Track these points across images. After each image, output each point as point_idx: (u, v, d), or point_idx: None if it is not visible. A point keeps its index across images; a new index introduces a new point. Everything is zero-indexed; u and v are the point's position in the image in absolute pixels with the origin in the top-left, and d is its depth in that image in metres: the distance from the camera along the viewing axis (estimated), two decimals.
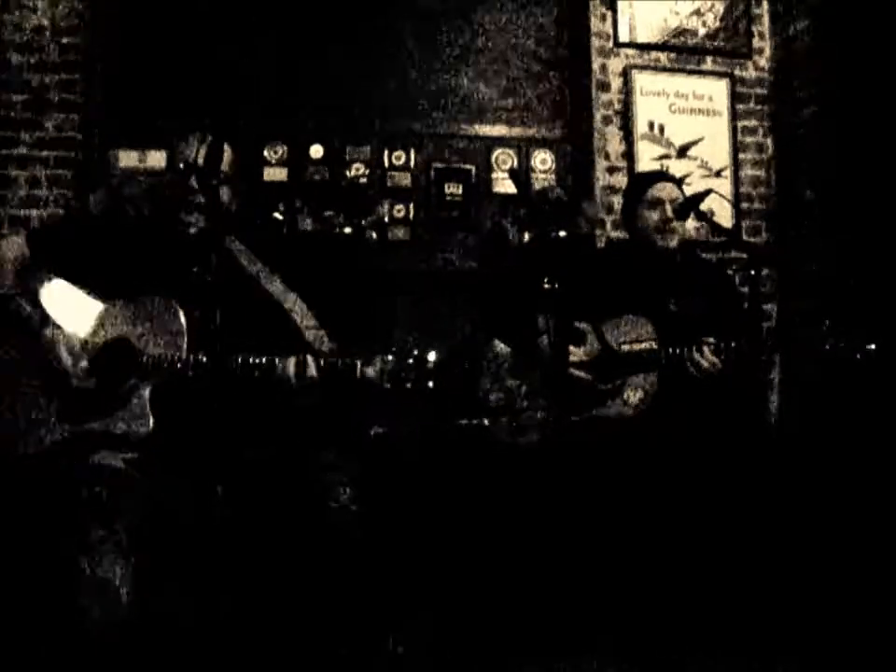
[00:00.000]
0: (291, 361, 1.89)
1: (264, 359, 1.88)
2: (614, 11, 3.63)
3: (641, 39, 3.67)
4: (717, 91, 3.72)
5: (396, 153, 3.57)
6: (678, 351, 2.19)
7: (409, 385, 1.87)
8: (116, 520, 1.68)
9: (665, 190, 2.44)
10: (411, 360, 1.88)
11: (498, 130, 3.67)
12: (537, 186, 3.62)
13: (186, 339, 1.88)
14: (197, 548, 1.75)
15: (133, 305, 1.91)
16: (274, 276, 2.12)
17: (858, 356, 2.01)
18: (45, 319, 1.87)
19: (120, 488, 1.73)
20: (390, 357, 1.88)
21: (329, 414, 2.10)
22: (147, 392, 1.85)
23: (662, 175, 2.66)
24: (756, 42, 3.78)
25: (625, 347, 2.27)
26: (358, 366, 1.90)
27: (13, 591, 1.72)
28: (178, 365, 1.85)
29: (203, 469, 1.75)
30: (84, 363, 1.86)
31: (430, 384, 1.86)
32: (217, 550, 1.75)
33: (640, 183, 2.61)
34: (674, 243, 2.41)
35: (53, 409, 1.83)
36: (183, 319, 1.89)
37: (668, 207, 2.39)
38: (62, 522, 1.68)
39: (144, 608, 1.67)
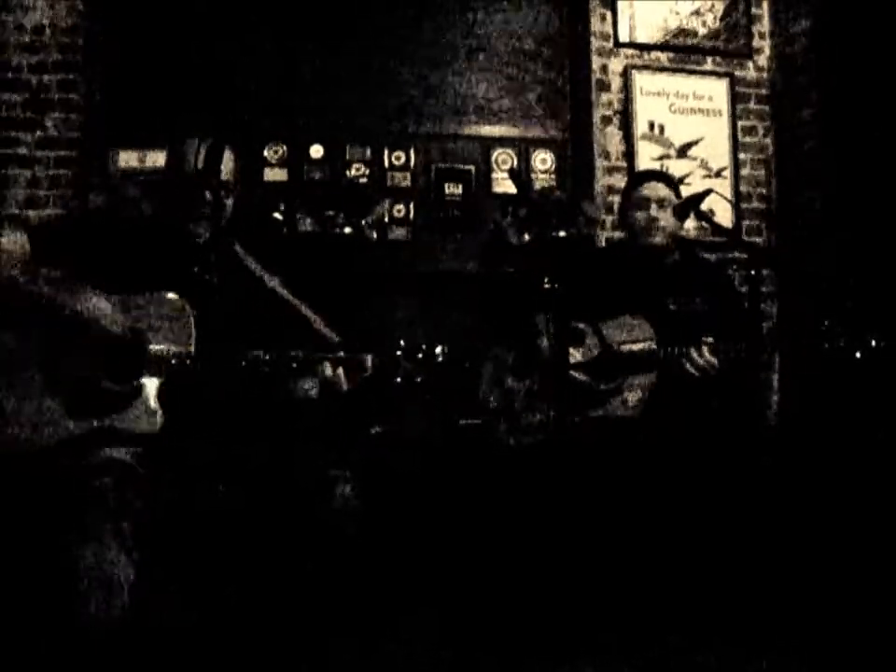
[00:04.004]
0: (341, 366, 1.89)
1: (307, 357, 1.89)
2: (614, 11, 3.63)
3: (641, 39, 3.67)
4: (717, 91, 3.72)
5: (396, 153, 3.57)
6: (677, 351, 2.19)
7: (419, 380, 1.88)
8: (122, 516, 1.68)
9: (652, 190, 2.44)
10: (420, 355, 1.89)
11: (498, 130, 3.67)
12: (537, 186, 3.63)
13: (195, 336, 1.88)
14: (201, 543, 1.76)
15: (141, 301, 1.91)
16: (274, 276, 2.12)
17: (857, 355, 2.01)
18: (51, 314, 1.87)
19: (127, 484, 1.73)
20: (399, 353, 1.89)
21: (330, 412, 2.10)
22: (154, 388, 1.85)
23: (652, 175, 2.67)
24: (756, 42, 3.78)
25: (625, 347, 2.27)
26: (368, 361, 1.90)
27: (18, 585, 1.72)
28: (187, 362, 1.86)
29: (208, 466, 1.76)
30: (91, 359, 1.85)
31: (438, 378, 1.87)
32: (220, 545, 1.75)
33: (633, 182, 2.64)
34: (658, 240, 2.41)
35: (61, 404, 1.83)
36: (192, 316, 1.89)
37: (654, 206, 2.41)
38: (68, 517, 1.68)
39: (147, 603, 1.67)
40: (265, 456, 1.90)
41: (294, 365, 1.89)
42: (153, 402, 1.84)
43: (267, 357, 1.88)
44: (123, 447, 1.80)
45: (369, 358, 1.91)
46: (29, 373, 1.85)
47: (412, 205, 3.55)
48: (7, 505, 1.74)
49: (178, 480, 1.81)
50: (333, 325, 2.11)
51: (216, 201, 1.90)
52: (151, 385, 1.85)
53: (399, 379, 1.90)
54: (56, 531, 1.67)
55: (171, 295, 1.91)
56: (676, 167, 3.56)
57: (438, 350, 1.90)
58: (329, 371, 1.89)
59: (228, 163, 1.99)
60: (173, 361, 1.86)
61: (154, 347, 1.86)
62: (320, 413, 2.04)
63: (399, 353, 1.90)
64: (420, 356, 1.89)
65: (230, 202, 2.05)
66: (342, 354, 1.91)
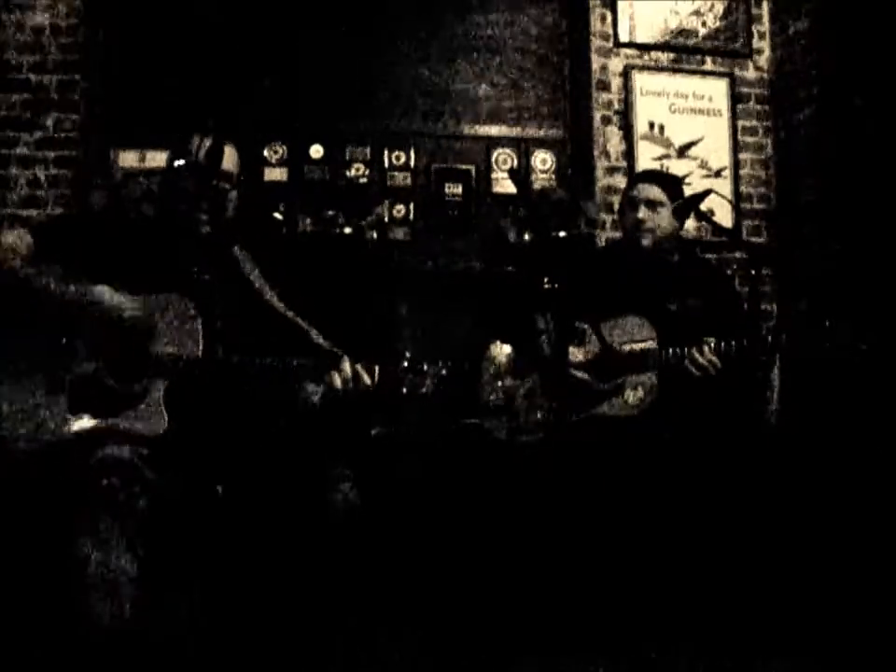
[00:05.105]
0: (346, 367, 1.89)
1: (309, 363, 1.89)
2: (614, 11, 3.64)
3: (641, 39, 3.67)
4: (717, 91, 3.72)
5: (396, 153, 3.57)
6: (677, 351, 2.19)
7: (423, 391, 1.88)
8: (127, 516, 1.68)
9: (644, 192, 2.44)
10: (426, 367, 1.89)
11: (498, 130, 3.68)
12: (537, 186, 3.63)
13: (201, 338, 1.88)
14: (202, 545, 1.76)
15: (148, 301, 1.90)
16: (274, 286, 2.13)
17: (857, 355, 2.01)
18: (56, 311, 1.87)
19: (130, 480, 1.73)
20: (405, 364, 1.89)
21: (331, 415, 2.10)
22: (161, 389, 1.84)
23: (653, 175, 2.66)
24: (756, 42, 3.78)
25: (625, 347, 2.27)
26: (376, 371, 1.90)
27: (21, 584, 1.72)
28: (193, 363, 1.85)
29: (212, 466, 1.75)
30: (97, 358, 1.85)
31: (442, 388, 1.88)
32: (222, 546, 1.75)
33: (629, 182, 2.65)
34: (647, 242, 2.41)
35: (66, 403, 1.83)
36: (198, 318, 1.89)
37: (644, 208, 2.40)
38: (72, 517, 1.68)
39: (151, 603, 1.67)
40: (268, 459, 1.90)
41: (298, 373, 1.89)
42: (159, 403, 1.83)
43: (271, 364, 1.88)
44: (129, 447, 1.79)
45: (375, 369, 1.91)
46: (35, 371, 1.85)
47: (412, 205, 3.55)
48: (13, 503, 1.74)
49: (183, 481, 1.81)
50: (333, 325, 2.11)
51: (217, 190, 1.90)
52: (158, 386, 1.85)
53: (404, 391, 1.90)
54: (62, 530, 1.67)
55: (178, 296, 1.91)
56: (676, 167, 3.56)
57: (442, 364, 1.90)
58: (337, 380, 1.88)
59: (230, 156, 1.99)
60: (179, 363, 1.85)
61: (161, 349, 1.86)
62: (322, 416, 2.04)
63: (405, 365, 1.90)
64: (425, 368, 1.89)
65: (232, 194, 2.05)
66: (348, 363, 1.90)
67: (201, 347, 1.87)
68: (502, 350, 2.35)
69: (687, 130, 3.67)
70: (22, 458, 1.78)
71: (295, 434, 1.99)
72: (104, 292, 1.83)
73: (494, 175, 3.63)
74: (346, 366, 1.88)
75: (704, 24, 3.73)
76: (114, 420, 1.82)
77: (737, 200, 3.67)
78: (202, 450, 1.80)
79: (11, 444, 1.78)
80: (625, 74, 3.63)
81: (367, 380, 1.89)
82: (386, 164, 3.56)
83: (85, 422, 1.81)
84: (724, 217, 3.48)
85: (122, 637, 1.60)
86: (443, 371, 1.89)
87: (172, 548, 1.76)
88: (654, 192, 2.43)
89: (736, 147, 3.72)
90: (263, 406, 1.95)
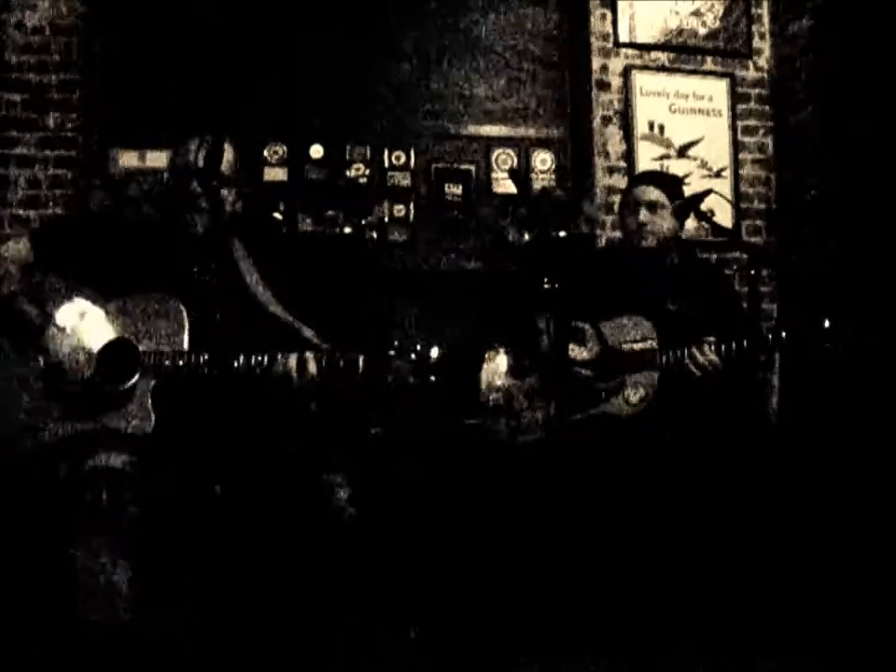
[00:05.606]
0: (293, 358, 1.88)
1: (265, 357, 1.88)
2: (614, 11, 3.63)
3: (641, 39, 3.67)
4: (717, 91, 3.72)
5: (396, 153, 3.57)
6: (678, 350, 2.19)
7: (411, 380, 1.88)
8: (117, 521, 1.68)
9: (643, 193, 2.43)
10: (413, 356, 1.88)
11: (498, 130, 3.67)
12: (537, 186, 3.63)
13: (188, 337, 1.88)
14: (197, 548, 1.75)
15: (135, 303, 1.91)
16: (267, 290, 2.13)
17: (857, 355, 2.01)
18: (47, 318, 1.87)
19: (122, 489, 1.73)
20: (392, 353, 1.89)
21: (328, 414, 2.10)
22: (149, 391, 1.85)
23: (652, 176, 2.66)
24: (756, 42, 3.78)
25: (625, 347, 2.27)
26: (360, 361, 1.89)
27: (13, 592, 1.72)
28: (180, 363, 1.85)
29: (204, 469, 1.75)
30: (86, 361, 1.86)
31: (432, 378, 1.87)
32: (216, 550, 1.75)
33: (629, 184, 2.66)
34: (648, 243, 2.41)
35: (55, 408, 1.83)
36: (185, 318, 1.89)
37: (644, 210, 2.40)
38: (62, 522, 1.68)
39: (144, 609, 1.67)
40: (263, 458, 1.90)
41: (282, 364, 1.88)
42: (147, 403, 1.83)
43: (259, 359, 1.88)
44: (117, 451, 1.79)
45: (360, 359, 1.90)
46: (25, 375, 1.85)
47: (412, 205, 3.55)
48: (8, 508, 1.74)
49: (175, 481, 1.81)
50: (332, 325, 2.11)
51: (214, 193, 1.91)
52: (145, 385, 1.85)
53: (390, 379, 1.89)
54: (51, 536, 1.67)
55: (166, 296, 1.91)
56: (676, 167, 3.56)
57: (433, 351, 1.89)
58: (291, 364, 1.87)
59: (227, 158, 1.99)
60: (167, 362, 1.86)
61: (148, 348, 1.86)
62: (317, 414, 2.04)
63: (391, 353, 1.89)
64: (413, 356, 1.88)
65: (227, 194, 2.05)
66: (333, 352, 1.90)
67: (187, 346, 1.87)
68: (501, 352, 2.35)
69: (687, 130, 3.67)
70: (14, 465, 1.78)
71: (291, 433, 1.99)
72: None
73: (494, 175, 3.62)
74: (304, 354, 1.88)
75: (704, 24, 3.72)
76: (103, 421, 1.82)
77: (737, 200, 3.67)
78: (192, 450, 1.80)
79: (5, 449, 1.79)
80: (625, 74, 3.63)
81: (312, 368, 1.87)
82: (386, 164, 3.56)
83: (75, 424, 1.81)
84: (724, 217, 3.48)
85: (119, 640, 1.60)
86: (433, 360, 1.88)
87: (167, 550, 1.76)
88: (654, 194, 2.42)
89: (736, 147, 3.71)
90: (255, 404, 1.95)
